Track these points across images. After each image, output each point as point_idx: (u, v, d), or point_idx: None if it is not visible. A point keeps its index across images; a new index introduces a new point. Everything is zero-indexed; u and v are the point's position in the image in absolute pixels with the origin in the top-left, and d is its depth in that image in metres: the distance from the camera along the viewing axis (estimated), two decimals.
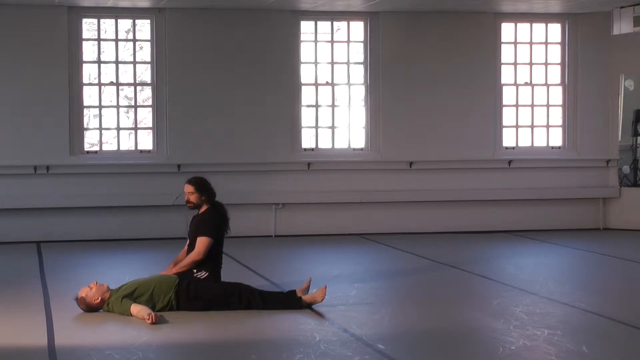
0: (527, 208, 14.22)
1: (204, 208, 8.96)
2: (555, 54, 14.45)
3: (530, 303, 8.61)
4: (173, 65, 13.23)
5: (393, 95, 13.80)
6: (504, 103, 14.31)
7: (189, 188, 8.96)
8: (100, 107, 13.43)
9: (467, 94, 13.97)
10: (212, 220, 8.85)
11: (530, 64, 14.42)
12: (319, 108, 13.87)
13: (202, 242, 8.75)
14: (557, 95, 14.48)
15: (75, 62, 13.05)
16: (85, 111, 13.48)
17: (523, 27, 14.35)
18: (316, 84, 13.84)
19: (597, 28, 14.10)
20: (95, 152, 13.35)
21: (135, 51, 13.63)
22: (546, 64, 14.46)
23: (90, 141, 13.79)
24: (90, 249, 12.38)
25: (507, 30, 14.27)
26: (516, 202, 14.18)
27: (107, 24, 13.60)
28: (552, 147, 14.47)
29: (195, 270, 8.73)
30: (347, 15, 13.75)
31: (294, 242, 13.04)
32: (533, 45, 14.41)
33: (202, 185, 8.96)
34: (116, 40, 13.43)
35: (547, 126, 14.50)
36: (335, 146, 13.90)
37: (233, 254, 11.38)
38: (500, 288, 9.48)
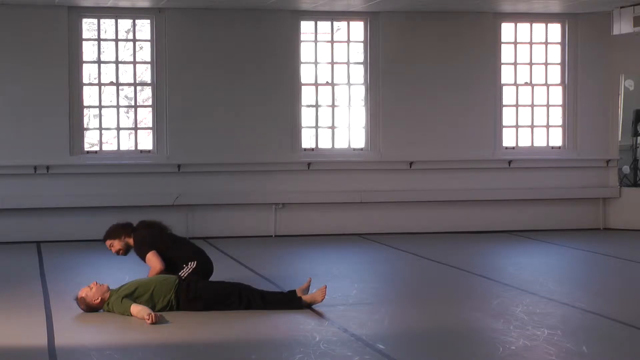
0: (527, 208, 14.21)
1: (132, 240, 9.12)
2: (555, 54, 14.44)
3: (530, 303, 8.61)
4: (173, 65, 13.23)
5: (393, 95, 13.79)
6: (504, 103, 14.30)
7: (107, 244, 9.20)
8: (100, 107, 13.43)
9: (467, 94, 13.97)
10: (142, 240, 9.04)
11: (530, 64, 14.41)
12: (319, 108, 13.86)
13: (150, 259, 8.94)
14: (557, 95, 14.48)
15: (75, 62, 13.05)
16: (85, 111, 13.48)
17: (523, 27, 14.34)
18: (316, 84, 13.83)
19: (597, 28, 14.10)
20: (95, 152, 13.34)
21: (135, 51, 13.62)
22: (546, 64, 14.46)
23: (90, 141, 13.78)
24: (90, 249, 12.35)
25: (507, 30, 14.26)
26: (516, 202, 14.18)
27: (107, 24, 13.60)
28: (552, 147, 14.46)
29: (184, 266, 8.89)
30: (347, 15, 13.74)
31: (294, 242, 13.03)
32: (533, 45, 14.41)
33: (112, 233, 9.19)
34: (116, 40, 13.43)
35: (547, 126, 14.50)
36: (335, 146, 13.90)
37: (233, 254, 11.38)
38: (500, 288, 9.48)
